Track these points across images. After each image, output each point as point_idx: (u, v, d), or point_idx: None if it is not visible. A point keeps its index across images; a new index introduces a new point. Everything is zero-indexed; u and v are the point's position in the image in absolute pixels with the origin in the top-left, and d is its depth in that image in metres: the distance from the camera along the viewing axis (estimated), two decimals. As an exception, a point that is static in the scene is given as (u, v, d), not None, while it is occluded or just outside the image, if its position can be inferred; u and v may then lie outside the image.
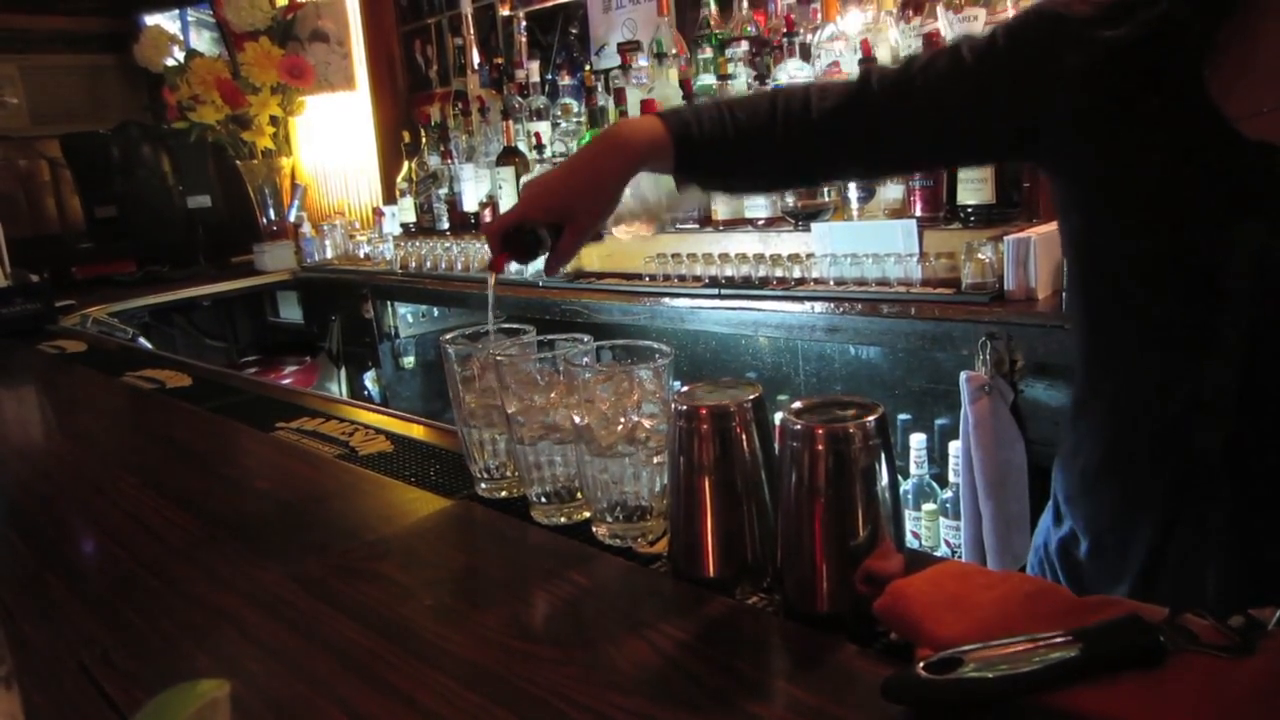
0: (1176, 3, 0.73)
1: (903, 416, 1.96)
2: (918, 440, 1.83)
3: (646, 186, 1.10)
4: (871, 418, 0.63)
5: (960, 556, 1.67)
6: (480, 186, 2.81)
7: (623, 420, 0.78)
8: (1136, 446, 0.82)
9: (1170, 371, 0.77)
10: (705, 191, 0.97)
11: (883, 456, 0.63)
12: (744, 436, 0.69)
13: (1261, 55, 0.70)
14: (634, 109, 2.30)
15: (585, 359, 0.85)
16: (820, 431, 0.62)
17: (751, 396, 0.70)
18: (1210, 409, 0.73)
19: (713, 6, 2.33)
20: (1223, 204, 0.70)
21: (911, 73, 0.89)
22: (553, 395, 0.85)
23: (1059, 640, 0.52)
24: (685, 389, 0.73)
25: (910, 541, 1.79)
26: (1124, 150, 0.76)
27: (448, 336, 0.94)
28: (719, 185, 1.04)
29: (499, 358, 0.86)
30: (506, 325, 0.96)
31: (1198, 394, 0.74)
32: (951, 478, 1.73)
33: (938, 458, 1.88)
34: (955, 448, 1.64)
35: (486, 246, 1.01)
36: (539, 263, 1.02)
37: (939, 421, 1.94)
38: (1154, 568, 0.82)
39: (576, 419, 0.79)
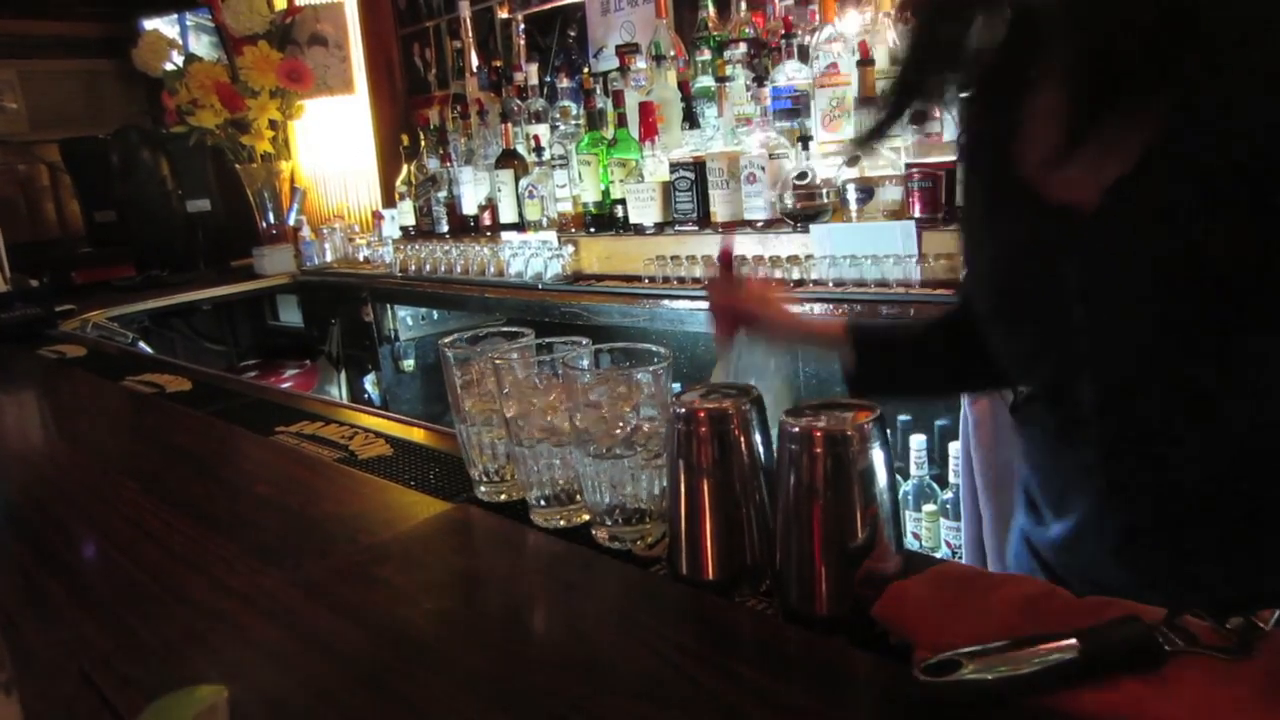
0: (986, 75, 0.80)
1: (903, 418, 1.96)
2: (918, 441, 1.83)
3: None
4: (869, 419, 0.63)
5: (960, 557, 1.67)
6: (479, 189, 2.81)
7: (621, 423, 0.78)
8: (1040, 455, 0.86)
9: (1047, 390, 0.81)
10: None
11: (881, 458, 0.63)
12: (743, 439, 0.70)
13: (1042, 126, 0.73)
14: (632, 111, 2.30)
15: (584, 362, 0.85)
16: (818, 433, 0.63)
17: (750, 398, 0.70)
18: (1085, 424, 0.75)
19: (711, 8, 2.33)
20: (1035, 251, 0.75)
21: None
22: (551, 398, 0.85)
23: (1058, 642, 0.52)
24: (685, 391, 0.73)
25: (910, 542, 1.79)
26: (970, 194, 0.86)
27: (446, 340, 0.94)
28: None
29: (498, 361, 0.86)
30: (505, 329, 0.96)
31: (1073, 410, 0.76)
32: (951, 479, 1.73)
33: (938, 458, 1.87)
34: (955, 449, 1.64)
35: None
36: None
37: (939, 422, 1.94)
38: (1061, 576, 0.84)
39: (575, 422, 0.80)
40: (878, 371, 1.02)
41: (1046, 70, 0.73)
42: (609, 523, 0.81)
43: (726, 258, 1.13)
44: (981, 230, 0.85)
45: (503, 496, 0.95)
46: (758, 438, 0.71)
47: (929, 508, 1.81)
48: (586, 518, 0.86)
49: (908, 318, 1.04)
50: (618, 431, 0.78)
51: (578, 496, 0.87)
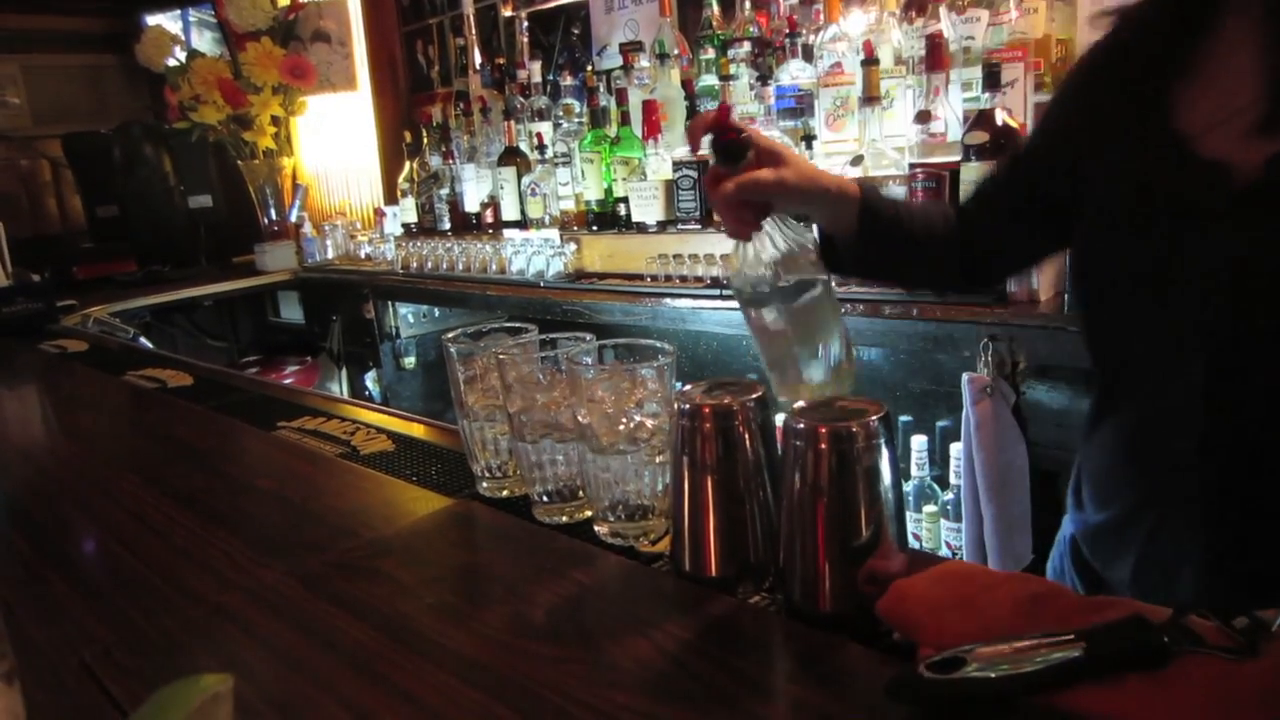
0: (1155, 17, 0.74)
1: (904, 418, 1.95)
2: (919, 442, 1.83)
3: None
4: (875, 417, 0.63)
5: (961, 559, 1.66)
6: (482, 187, 2.81)
7: (625, 419, 0.78)
8: (1125, 444, 0.83)
9: (1147, 373, 0.78)
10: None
11: (886, 456, 0.63)
12: (747, 436, 0.69)
13: (1218, 73, 0.70)
14: (635, 109, 2.30)
15: (588, 358, 0.84)
16: (824, 431, 0.62)
17: (755, 396, 0.70)
18: (1181, 414, 0.73)
19: (715, 7, 2.33)
20: (1176, 218, 0.71)
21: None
22: (555, 394, 0.85)
23: (1062, 640, 0.52)
24: (688, 388, 0.73)
25: (911, 544, 1.79)
26: (1094, 160, 0.78)
27: (450, 335, 0.94)
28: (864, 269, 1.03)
29: (501, 356, 0.86)
30: (508, 324, 0.96)
31: (1169, 398, 0.74)
32: (953, 479, 1.72)
33: (939, 459, 1.87)
34: (956, 449, 1.64)
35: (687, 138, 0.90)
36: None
37: (940, 423, 1.94)
38: (1140, 568, 0.82)
39: (579, 418, 0.79)
40: (869, 248, 0.94)
41: (1242, 5, 0.68)
42: (611, 519, 0.81)
43: (725, 114, 0.88)
44: (1093, 166, 0.78)
45: (505, 492, 0.95)
46: (761, 435, 0.70)
47: (929, 508, 1.81)
48: (589, 514, 0.86)
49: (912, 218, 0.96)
50: (621, 427, 0.78)
51: (580, 492, 0.86)
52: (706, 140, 0.87)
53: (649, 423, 0.78)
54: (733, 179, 0.84)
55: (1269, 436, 0.70)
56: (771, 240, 0.88)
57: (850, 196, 0.91)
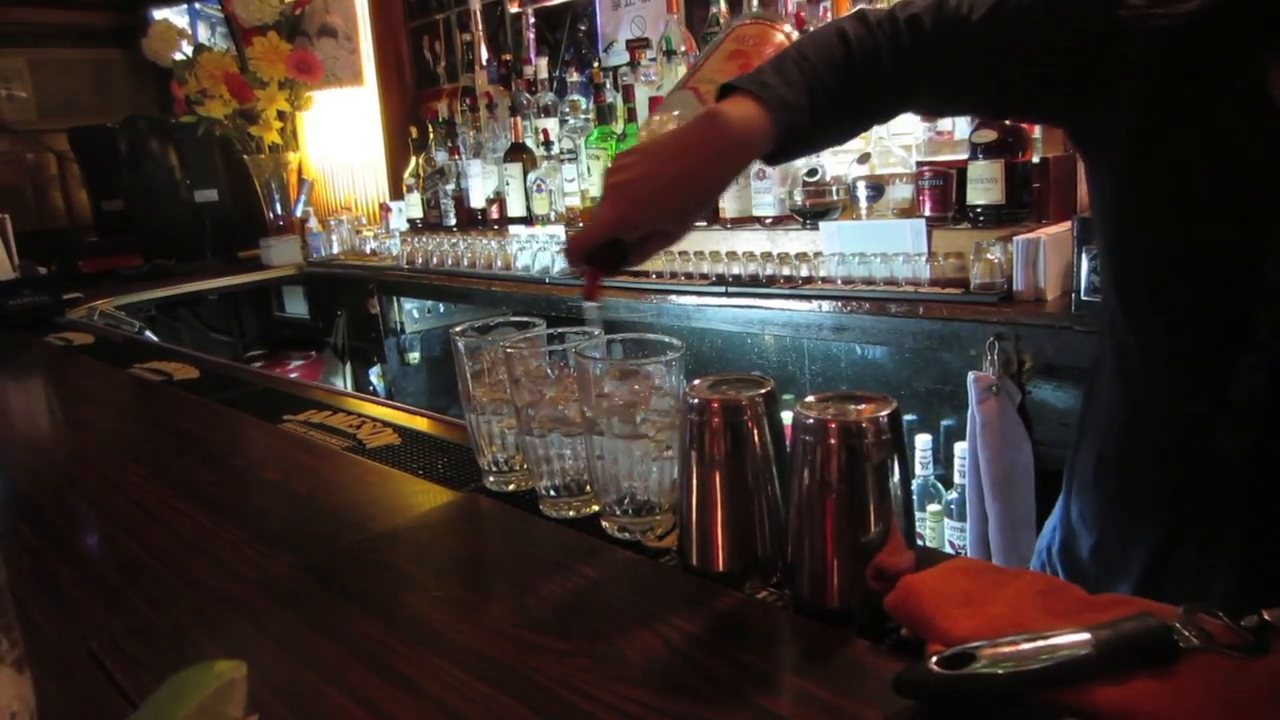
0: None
1: (909, 417, 1.95)
2: (923, 441, 1.83)
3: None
4: (885, 412, 0.63)
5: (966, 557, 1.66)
6: (487, 182, 2.81)
7: (633, 414, 0.78)
8: (1154, 445, 0.81)
9: (1200, 369, 0.75)
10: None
11: (895, 452, 0.63)
12: (755, 431, 0.69)
13: None
14: (642, 106, 2.30)
15: (596, 352, 0.84)
16: (833, 425, 0.62)
17: (764, 391, 0.70)
18: (1237, 410, 0.71)
19: (722, 4, 2.33)
20: (1270, 198, 0.68)
21: (969, 18, 0.80)
22: (563, 389, 0.85)
23: (1071, 637, 0.52)
24: (697, 382, 0.73)
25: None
26: (1173, 133, 0.72)
27: (458, 329, 0.94)
28: (800, 155, 0.94)
29: (509, 350, 0.86)
30: (516, 319, 0.96)
31: (1226, 394, 0.72)
32: (957, 479, 1.72)
33: (943, 459, 1.87)
34: (961, 449, 1.64)
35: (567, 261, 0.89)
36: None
37: (945, 422, 1.94)
38: (1157, 573, 0.81)
39: (586, 412, 0.79)
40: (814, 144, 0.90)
41: None
42: (618, 513, 0.81)
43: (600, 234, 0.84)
44: (1180, 141, 0.72)
45: (511, 486, 0.95)
46: (770, 430, 0.70)
47: (934, 508, 1.81)
48: (596, 508, 0.86)
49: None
50: (629, 422, 0.78)
51: (587, 487, 0.86)
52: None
53: (657, 418, 0.78)
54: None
55: None
56: None
57: (757, 142, 0.82)
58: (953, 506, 1.76)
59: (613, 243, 0.83)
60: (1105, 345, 0.87)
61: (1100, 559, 0.88)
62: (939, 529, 1.80)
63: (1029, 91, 0.84)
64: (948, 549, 1.77)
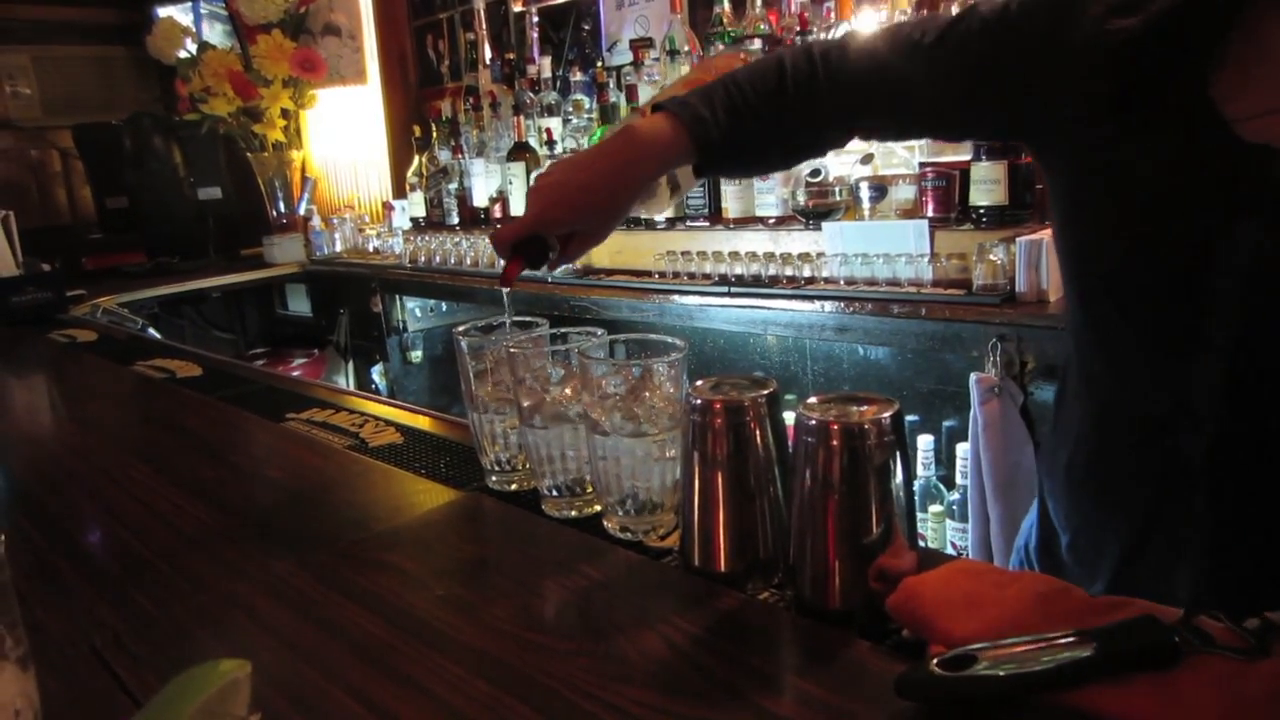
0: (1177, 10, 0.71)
1: (911, 418, 1.95)
2: (925, 442, 1.83)
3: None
4: (887, 414, 0.63)
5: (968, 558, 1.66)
6: (491, 182, 2.81)
7: (636, 414, 0.78)
8: (1120, 446, 0.82)
9: (1159, 372, 0.77)
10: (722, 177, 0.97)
11: (897, 453, 0.63)
12: (758, 431, 0.69)
13: (1266, 58, 0.69)
14: (646, 106, 2.29)
15: (600, 352, 0.85)
16: (835, 427, 0.62)
17: (766, 392, 0.70)
18: (1196, 413, 0.73)
19: (726, 4, 2.32)
20: (1217, 205, 0.70)
21: (921, 41, 0.85)
22: (566, 388, 0.85)
23: (1073, 639, 0.52)
24: (699, 383, 0.73)
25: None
26: (1122, 144, 0.75)
27: (461, 328, 0.94)
28: (739, 174, 1.03)
29: (513, 350, 0.86)
30: (519, 319, 0.96)
31: (1185, 397, 0.73)
32: (959, 480, 1.72)
33: (945, 460, 1.87)
34: (963, 450, 1.64)
35: (494, 251, 0.98)
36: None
37: (947, 423, 1.94)
38: (1127, 570, 0.82)
39: (589, 412, 0.80)
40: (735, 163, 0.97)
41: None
42: (620, 513, 0.81)
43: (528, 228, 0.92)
44: (1130, 152, 0.74)
45: (514, 486, 0.95)
46: (772, 431, 0.70)
47: (935, 509, 1.81)
48: (598, 508, 0.86)
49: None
50: (631, 422, 0.78)
51: (589, 487, 0.87)
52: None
53: (659, 418, 0.78)
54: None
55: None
56: None
57: (669, 153, 0.90)
58: (955, 508, 1.76)
59: (536, 238, 0.92)
60: (1070, 348, 0.88)
61: (1075, 556, 0.89)
62: (941, 530, 1.80)
63: (982, 112, 0.88)
64: (949, 550, 1.77)
